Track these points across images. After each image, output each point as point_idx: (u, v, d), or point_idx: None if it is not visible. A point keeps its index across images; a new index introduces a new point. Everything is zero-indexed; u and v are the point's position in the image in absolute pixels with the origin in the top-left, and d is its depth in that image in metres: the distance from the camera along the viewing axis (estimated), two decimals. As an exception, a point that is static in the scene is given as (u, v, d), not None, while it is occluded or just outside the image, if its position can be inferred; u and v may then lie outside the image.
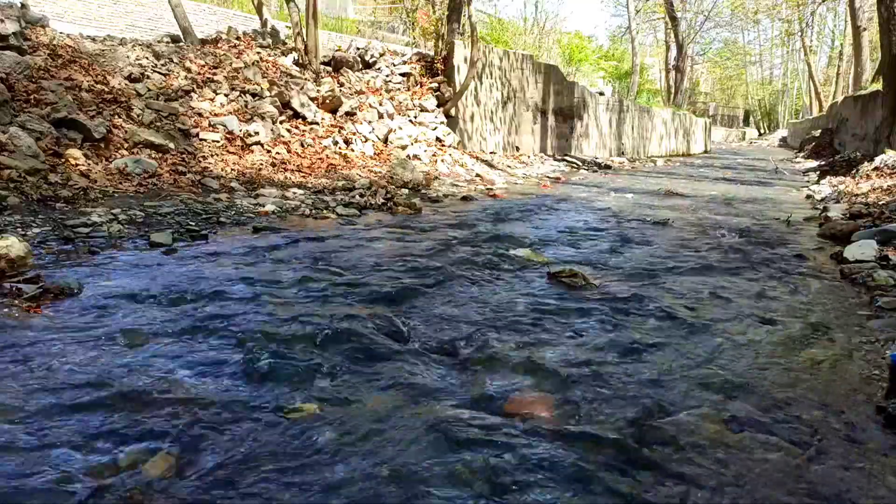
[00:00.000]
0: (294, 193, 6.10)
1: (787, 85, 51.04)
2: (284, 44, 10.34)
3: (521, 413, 1.85)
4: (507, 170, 10.75)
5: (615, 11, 44.44)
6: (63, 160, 5.21)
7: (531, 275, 3.55)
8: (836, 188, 8.80)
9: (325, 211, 5.52)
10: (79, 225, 4.02)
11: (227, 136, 7.13)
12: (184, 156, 6.41)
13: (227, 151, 6.92)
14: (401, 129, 9.49)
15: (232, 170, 6.57)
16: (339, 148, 8.37)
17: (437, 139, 10.14)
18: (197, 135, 6.84)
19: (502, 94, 12.22)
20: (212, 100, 7.54)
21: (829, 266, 4.04)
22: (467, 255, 3.95)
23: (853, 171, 10.09)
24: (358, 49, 11.12)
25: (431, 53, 11.50)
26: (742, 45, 49.48)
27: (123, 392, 1.85)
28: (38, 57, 6.26)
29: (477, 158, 10.69)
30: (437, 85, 10.73)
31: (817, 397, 2.03)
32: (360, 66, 10.68)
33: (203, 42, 9.00)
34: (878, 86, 12.34)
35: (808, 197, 8.69)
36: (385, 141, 9.23)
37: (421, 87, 10.69)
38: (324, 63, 10.10)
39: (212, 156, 6.67)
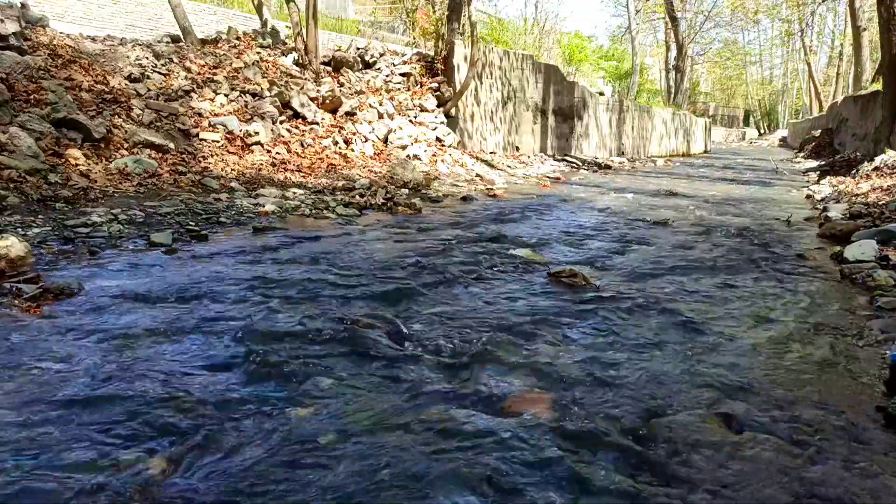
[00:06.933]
0: (294, 193, 6.10)
1: (787, 85, 51.11)
2: (284, 44, 10.34)
3: (520, 412, 1.85)
4: (507, 170, 10.75)
5: (615, 11, 44.47)
6: (63, 160, 5.21)
7: (531, 275, 3.55)
8: (836, 188, 8.80)
9: (325, 211, 5.52)
10: (79, 225, 4.02)
11: (228, 136, 7.13)
12: (184, 156, 6.41)
13: (227, 151, 6.92)
14: (401, 129, 9.49)
15: (232, 170, 6.57)
16: (339, 148, 8.37)
17: (437, 139, 10.14)
18: (197, 135, 6.85)
19: (502, 93, 12.21)
20: (212, 100, 7.54)
21: (830, 266, 4.04)
22: (467, 256, 3.95)
23: (853, 171, 10.10)
24: (358, 49, 11.12)
25: (431, 53, 11.49)
26: (742, 45, 49.55)
27: (123, 392, 1.85)
28: (38, 57, 6.26)
29: (477, 158, 10.69)
30: (437, 85, 10.73)
31: (817, 397, 2.03)
32: (360, 66, 10.68)
33: (203, 42, 9.00)
34: (878, 86, 12.34)
35: (808, 197, 8.69)
36: (385, 141, 9.23)
37: (421, 87, 10.69)
38: (324, 63, 10.10)
39: (212, 156, 6.67)
